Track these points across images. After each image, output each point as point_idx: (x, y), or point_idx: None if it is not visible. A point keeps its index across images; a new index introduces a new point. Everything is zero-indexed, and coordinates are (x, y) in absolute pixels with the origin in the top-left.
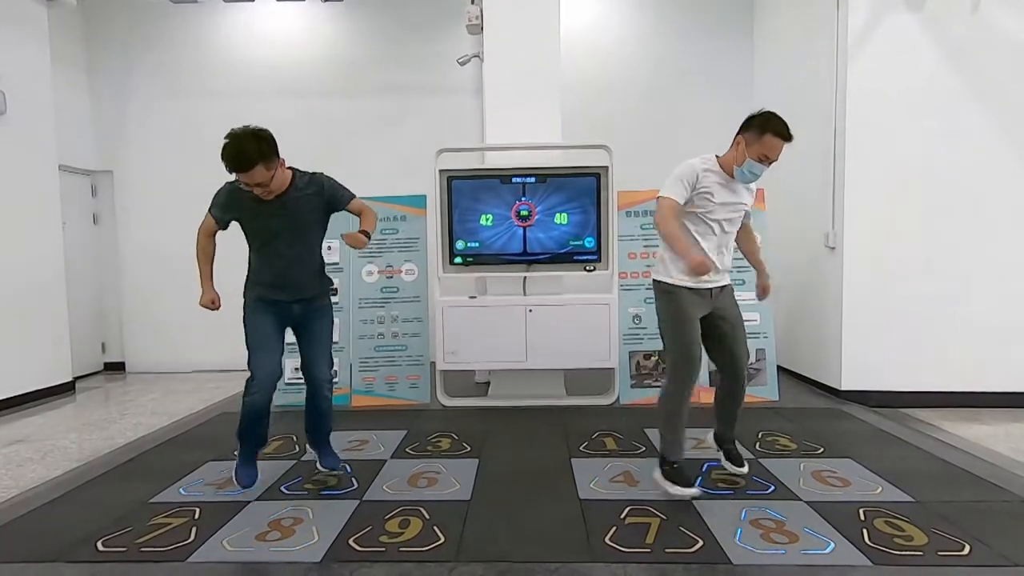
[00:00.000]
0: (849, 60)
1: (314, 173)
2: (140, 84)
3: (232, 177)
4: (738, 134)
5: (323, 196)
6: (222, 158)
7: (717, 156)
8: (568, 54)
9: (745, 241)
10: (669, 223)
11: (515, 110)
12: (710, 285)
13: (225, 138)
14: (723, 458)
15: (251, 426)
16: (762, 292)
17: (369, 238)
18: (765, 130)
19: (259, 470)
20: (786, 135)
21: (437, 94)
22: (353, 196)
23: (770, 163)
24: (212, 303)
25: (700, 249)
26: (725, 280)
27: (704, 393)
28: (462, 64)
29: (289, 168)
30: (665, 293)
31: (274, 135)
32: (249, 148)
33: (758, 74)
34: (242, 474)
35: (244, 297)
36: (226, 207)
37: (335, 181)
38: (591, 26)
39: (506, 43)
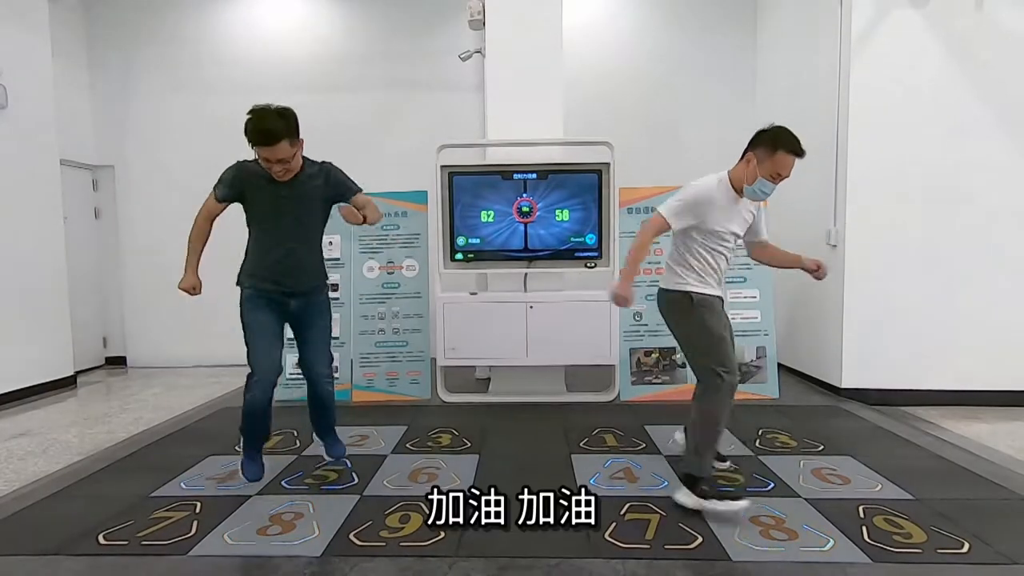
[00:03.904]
0: (852, 56)
1: (323, 162)
2: (141, 78)
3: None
4: (747, 150)
5: (329, 185)
6: (245, 132)
7: (728, 172)
8: (570, 50)
9: (776, 256)
10: (646, 237)
11: (517, 106)
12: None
13: (248, 113)
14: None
15: (253, 422)
16: (816, 268)
17: (366, 221)
18: (777, 147)
19: (263, 464)
20: (799, 151)
21: (439, 90)
22: (359, 189)
23: (782, 179)
24: (192, 288)
25: (711, 269)
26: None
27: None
28: (464, 60)
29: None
30: (690, 303)
31: (291, 108)
32: (275, 124)
33: (761, 70)
34: (248, 468)
35: (240, 288)
36: (232, 183)
37: (342, 172)
38: (593, 22)
39: (508, 39)
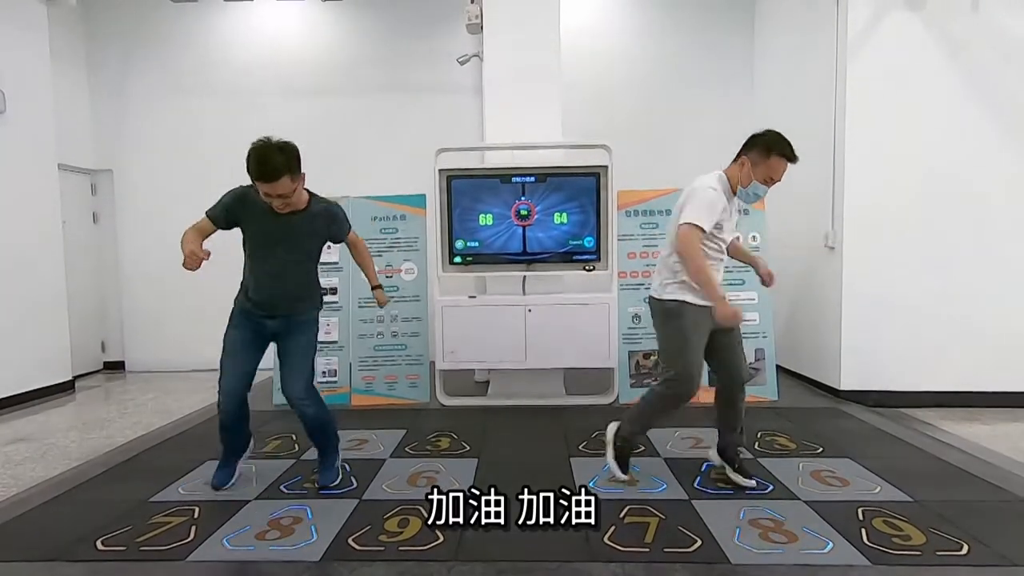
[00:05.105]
0: (849, 58)
1: (331, 203)
2: (140, 83)
3: (246, 182)
4: (741, 153)
5: (331, 228)
6: (248, 169)
7: (724, 171)
8: (568, 53)
9: (737, 249)
10: (700, 257)
11: (515, 109)
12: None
13: (250, 149)
14: (729, 470)
15: (225, 434)
16: (768, 277)
17: (382, 288)
18: (771, 152)
19: (244, 472)
20: (792, 156)
21: (437, 93)
22: (350, 228)
23: (774, 183)
24: (192, 255)
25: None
26: None
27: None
28: (462, 63)
29: (306, 190)
30: (672, 312)
31: (292, 143)
32: (276, 159)
33: (758, 72)
34: (217, 475)
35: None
36: (232, 208)
37: (345, 216)
38: (591, 25)
39: (506, 42)
